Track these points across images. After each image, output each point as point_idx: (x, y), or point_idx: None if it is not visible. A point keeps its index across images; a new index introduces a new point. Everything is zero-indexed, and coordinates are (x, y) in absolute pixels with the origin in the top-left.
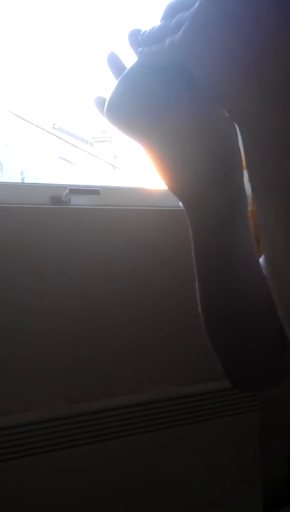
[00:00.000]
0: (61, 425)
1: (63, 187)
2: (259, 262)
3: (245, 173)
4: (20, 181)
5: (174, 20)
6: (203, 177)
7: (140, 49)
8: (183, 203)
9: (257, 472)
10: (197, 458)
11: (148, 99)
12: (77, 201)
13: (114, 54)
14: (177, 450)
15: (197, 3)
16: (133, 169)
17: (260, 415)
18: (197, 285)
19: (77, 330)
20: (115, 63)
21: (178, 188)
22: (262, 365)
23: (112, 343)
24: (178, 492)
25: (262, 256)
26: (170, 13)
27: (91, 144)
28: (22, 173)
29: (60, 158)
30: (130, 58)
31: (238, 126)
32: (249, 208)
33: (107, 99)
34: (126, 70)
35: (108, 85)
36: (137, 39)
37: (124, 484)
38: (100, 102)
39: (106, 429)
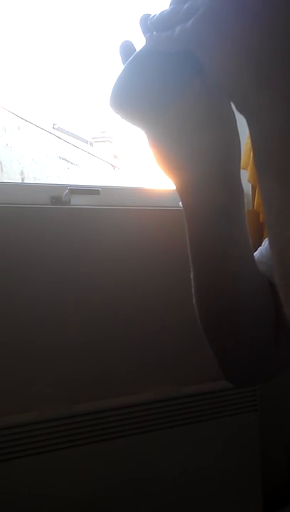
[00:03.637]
0: (61, 425)
1: (63, 187)
2: (253, 257)
3: (245, 172)
4: (20, 181)
5: (186, 6)
6: (204, 169)
7: (148, 34)
8: (181, 194)
9: (257, 472)
10: (197, 458)
11: (155, 86)
12: (77, 201)
13: (129, 43)
14: (177, 450)
15: None
16: (133, 169)
17: (260, 415)
18: (192, 278)
19: (78, 330)
20: (128, 52)
21: (177, 179)
22: (256, 357)
23: (112, 343)
24: (178, 492)
25: (257, 250)
26: None
27: (91, 143)
28: (22, 173)
29: (60, 158)
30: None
31: (247, 120)
32: (248, 207)
33: (113, 84)
34: (133, 55)
35: (108, 86)
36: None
37: (124, 484)
38: (127, 47)
39: (106, 429)
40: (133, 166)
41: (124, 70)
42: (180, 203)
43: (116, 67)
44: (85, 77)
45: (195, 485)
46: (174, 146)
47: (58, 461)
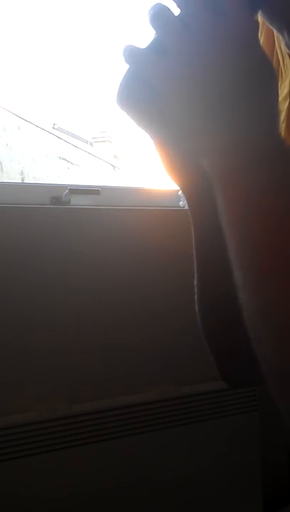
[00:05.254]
0: (61, 425)
1: (63, 187)
2: None
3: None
4: (20, 181)
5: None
6: None
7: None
8: (186, 195)
9: (257, 472)
10: (197, 458)
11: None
12: (77, 201)
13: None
14: (177, 450)
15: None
16: (133, 169)
17: (260, 415)
18: (195, 283)
19: (77, 330)
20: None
21: (183, 179)
22: (256, 360)
23: (112, 343)
24: (178, 492)
25: None
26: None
27: (91, 143)
28: (22, 173)
29: (60, 158)
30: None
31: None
32: None
33: (119, 80)
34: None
35: (108, 85)
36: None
37: (124, 484)
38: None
39: (106, 429)
40: (133, 166)
41: (129, 68)
42: (181, 203)
43: (117, 68)
44: (85, 77)
45: (195, 485)
46: (179, 148)
47: (58, 461)
